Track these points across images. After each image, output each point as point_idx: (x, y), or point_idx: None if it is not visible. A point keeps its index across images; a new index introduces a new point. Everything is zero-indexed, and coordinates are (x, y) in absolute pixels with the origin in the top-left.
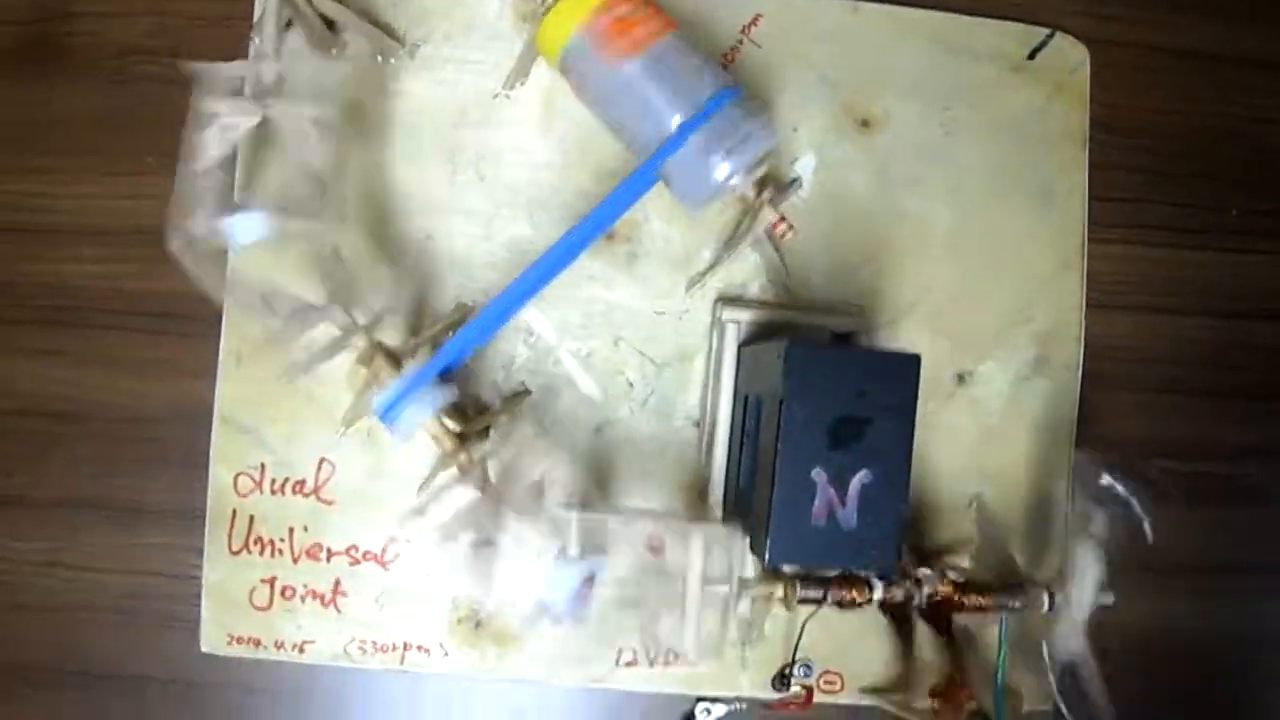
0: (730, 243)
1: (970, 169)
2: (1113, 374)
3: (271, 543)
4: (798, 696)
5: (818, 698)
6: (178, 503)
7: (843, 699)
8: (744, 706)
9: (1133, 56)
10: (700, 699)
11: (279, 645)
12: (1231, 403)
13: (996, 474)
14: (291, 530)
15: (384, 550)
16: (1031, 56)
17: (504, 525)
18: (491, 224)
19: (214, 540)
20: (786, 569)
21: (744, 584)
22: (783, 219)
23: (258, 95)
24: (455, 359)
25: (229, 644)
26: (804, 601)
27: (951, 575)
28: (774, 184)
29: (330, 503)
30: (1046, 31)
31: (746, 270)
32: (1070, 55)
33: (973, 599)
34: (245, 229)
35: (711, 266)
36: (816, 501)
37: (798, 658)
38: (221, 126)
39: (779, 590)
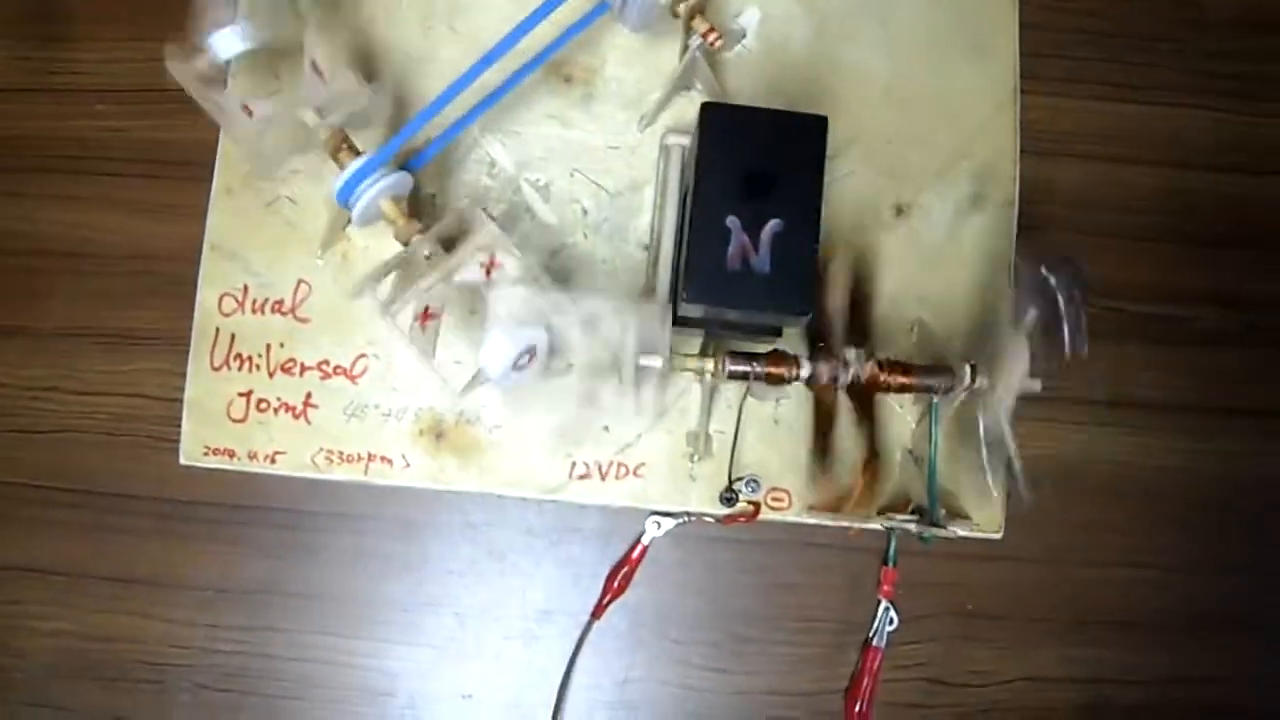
0: (676, 80)
1: (906, 24)
2: (1051, 215)
3: (250, 358)
4: (745, 511)
5: (765, 514)
6: (169, 330)
7: (789, 516)
8: (692, 519)
9: None
10: (653, 513)
11: (252, 456)
12: (1177, 248)
13: (937, 300)
14: (269, 346)
15: (353, 364)
16: None
17: (449, 299)
18: (462, 69)
19: (197, 358)
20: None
21: (677, 359)
22: (712, 29)
23: None
24: (406, 138)
25: (205, 455)
26: (733, 376)
27: (879, 356)
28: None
29: (305, 320)
30: None
31: (692, 110)
32: None
33: (897, 378)
34: (227, 43)
35: (660, 102)
36: (731, 246)
37: (746, 475)
38: None
39: (709, 364)
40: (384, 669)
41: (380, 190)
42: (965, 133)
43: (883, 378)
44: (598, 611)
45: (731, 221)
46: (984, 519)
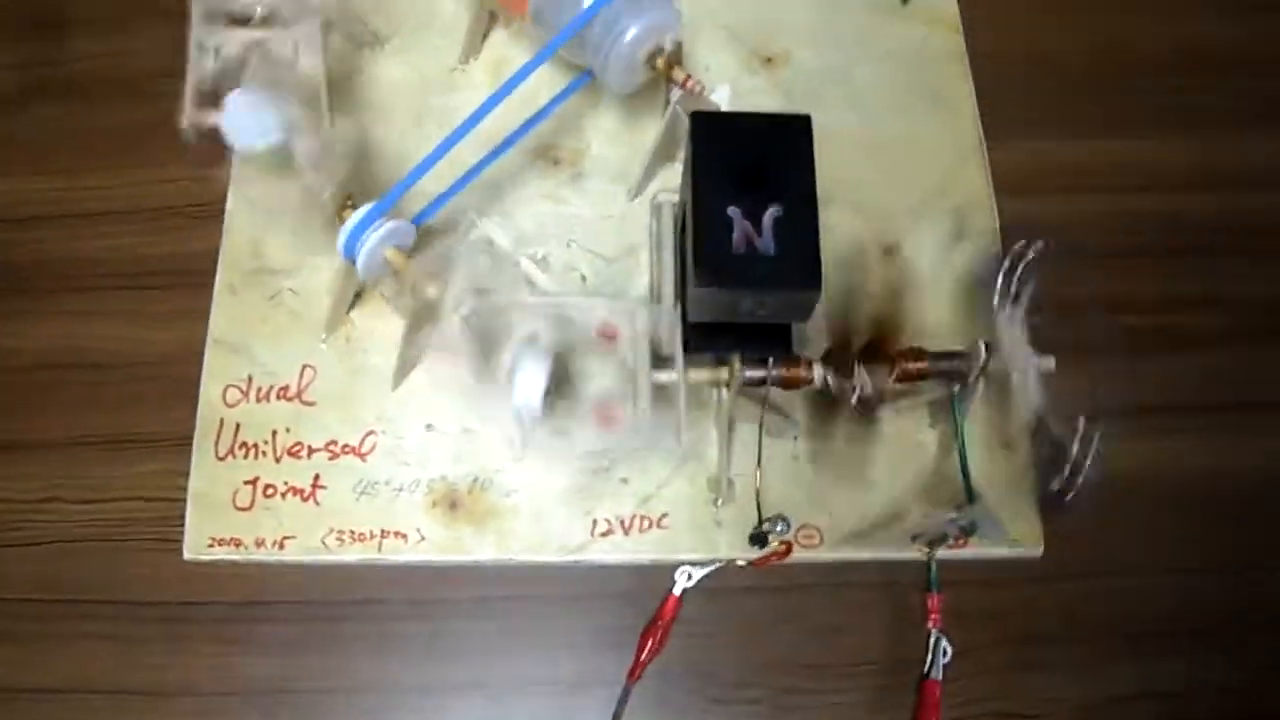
0: (662, 137)
1: (867, 87)
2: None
3: (255, 445)
4: (776, 550)
5: (797, 553)
6: (172, 431)
7: (823, 553)
8: (723, 565)
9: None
10: (681, 564)
11: (259, 543)
12: (1166, 261)
13: (934, 327)
14: (274, 433)
15: (361, 442)
16: (905, 2)
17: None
18: (451, 159)
19: (201, 450)
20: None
21: (693, 370)
22: (689, 76)
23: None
24: (407, 188)
25: (210, 547)
26: (749, 382)
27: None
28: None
29: (311, 404)
30: None
31: (677, 177)
32: (939, 1)
33: (913, 363)
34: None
35: (648, 168)
36: (735, 233)
37: (773, 515)
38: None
39: (724, 373)
40: None
41: (383, 238)
42: (938, 174)
43: (899, 366)
44: (634, 673)
45: (732, 211)
46: (1023, 534)
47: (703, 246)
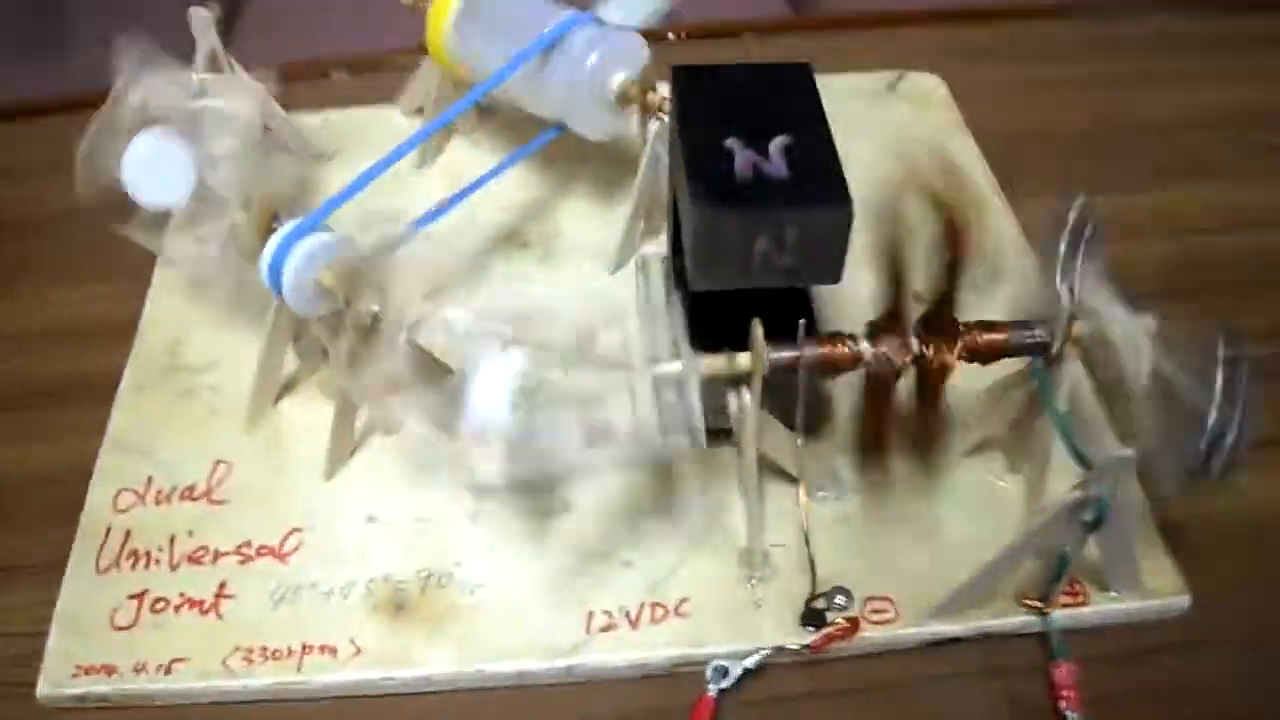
0: (639, 203)
1: (870, 160)
2: None
3: (147, 554)
4: (840, 627)
5: (866, 631)
6: (46, 557)
7: (901, 631)
8: (769, 655)
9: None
10: (712, 661)
11: (139, 669)
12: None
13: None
14: (173, 538)
15: (283, 542)
16: (892, 89)
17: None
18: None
19: (78, 564)
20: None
21: (695, 363)
22: (665, 97)
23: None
24: (344, 201)
25: (74, 676)
26: (776, 365)
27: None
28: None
29: (222, 502)
30: (896, 74)
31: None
32: (926, 83)
33: (985, 335)
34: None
35: (629, 230)
36: (738, 161)
37: (830, 587)
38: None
39: (744, 360)
40: None
41: (314, 252)
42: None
43: (965, 339)
44: None
45: (731, 142)
46: (1158, 582)
47: (699, 175)
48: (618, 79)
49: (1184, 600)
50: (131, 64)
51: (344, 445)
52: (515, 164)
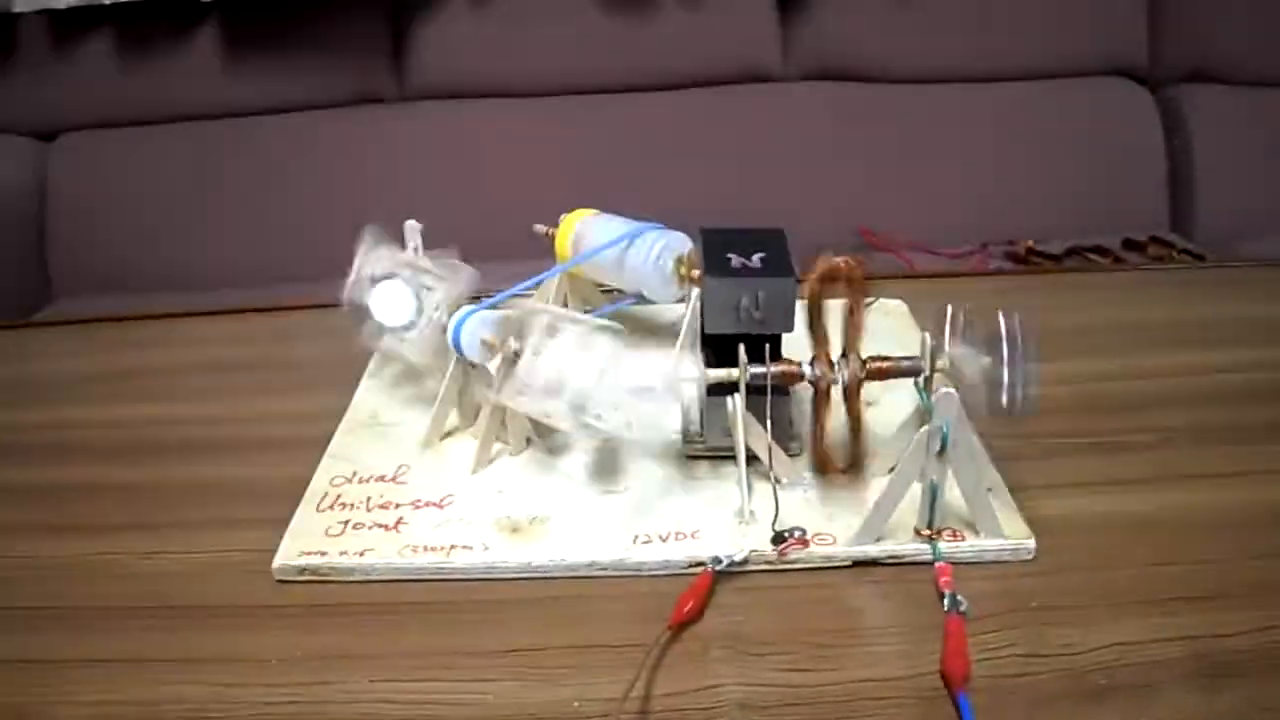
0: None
1: None
2: None
3: (351, 504)
4: (798, 540)
5: (815, 547)
6: (287, 515)
7: (838, 549)
8: (750, 553)
9: None
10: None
11: (342, 553)
12: None
13: None
14: (369, 498)
15: (441, 500)
16: None
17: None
18: None
19: (304, 509)
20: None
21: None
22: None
23: None
24: (506, 298)
25: (299, 556)
26: (754, 377)
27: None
28: None
29: (403, 484)
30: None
31: None
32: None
33: (878, 364)
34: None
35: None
36: (733, 259)
37: (791, 527)
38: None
39: (735, 372)
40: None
41: (480, 325)
42: None
43: (867, 367)
44: (672, 625)
45: (730, 255)
46: (1011, 530)
47: (714, 264)
48: (673, 259)
49: (1031, 543)
50: (369, 242)
51: (486, 452)
52: (606, 312)
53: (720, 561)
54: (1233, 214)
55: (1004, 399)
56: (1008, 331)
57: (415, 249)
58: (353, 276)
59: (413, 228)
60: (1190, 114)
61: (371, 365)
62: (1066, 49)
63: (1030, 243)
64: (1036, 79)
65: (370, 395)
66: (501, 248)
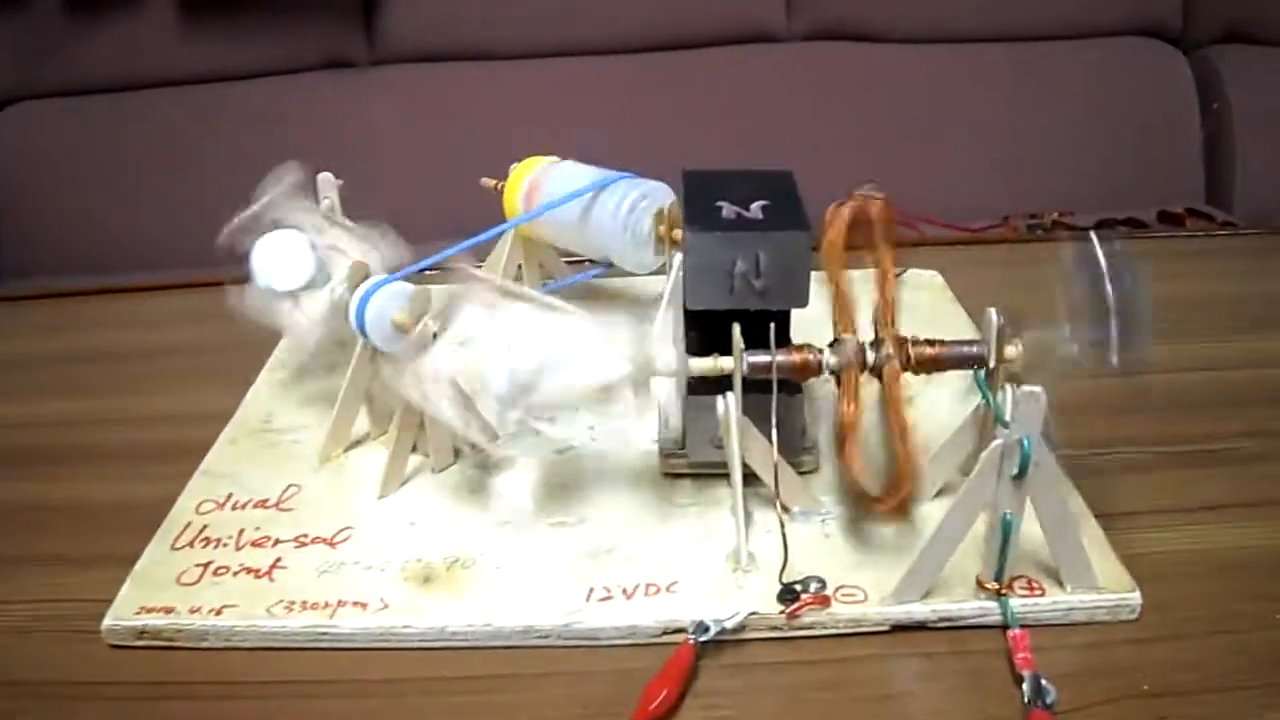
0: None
1: None
2: None
3: (218, 540)
4: (815, 597)
5: (838, 608)
6: (135, 551)
7: (870, 608)
8: (748, 617)
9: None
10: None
11: (194, 611)
12: None
13: None
14: (241, 530)
15: (334, 535)
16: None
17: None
18: None
19: (156, 544)
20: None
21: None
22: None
23: None
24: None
25: (136, 614)
26: (753, 367)
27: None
28: None
29: (289, 510)
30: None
31: None
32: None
33: (924, 350)
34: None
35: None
36: (725, 208)
37: (805, 578)
38: None
39: (726, 363)
40: None
41: (392, 295)
42: None
43: (913, 354)
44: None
45: (721, 203)
46: (1109, 580)
47: (699, 214)
48: (651, 215)
49: (1135, 596)
50: (275, 187)
51: (397, 470)
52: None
53: (706, 629)
54: (1273, 184)
55: (1113, 354)
56: (1108, 259)
57: (332, 207)
58: (238, 219)
59: (328, 180)
60: (1226, 77)
61: (277, 354)
62: (1091, 6)
63: (1056, 214)
64: (1059, 39)
65: (267, 393)
66: (482, 224)
